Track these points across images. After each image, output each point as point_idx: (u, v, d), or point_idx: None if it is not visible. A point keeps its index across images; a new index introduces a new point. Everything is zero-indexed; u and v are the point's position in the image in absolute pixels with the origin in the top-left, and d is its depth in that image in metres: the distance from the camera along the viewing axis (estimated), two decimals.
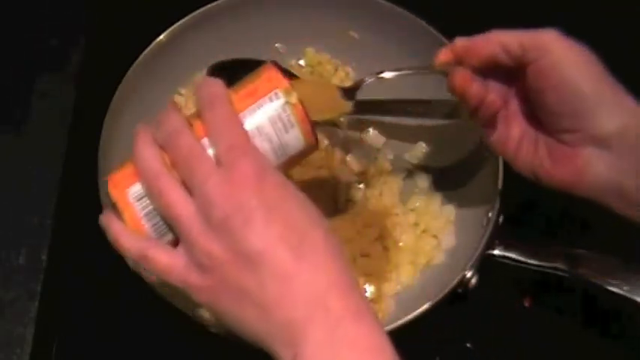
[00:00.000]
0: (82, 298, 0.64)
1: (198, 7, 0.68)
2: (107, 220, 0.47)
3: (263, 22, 0.71)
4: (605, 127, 0.50)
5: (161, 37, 0.66)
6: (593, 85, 0.50)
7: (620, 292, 0.57)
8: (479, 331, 0.65)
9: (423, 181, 0.69)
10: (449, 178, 0.69)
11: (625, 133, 0.50)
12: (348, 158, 0.70)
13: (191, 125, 0.45)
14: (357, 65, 0.72)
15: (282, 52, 0.73)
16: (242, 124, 0.44)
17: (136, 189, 0.46)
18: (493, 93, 0.54)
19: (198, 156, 0.44)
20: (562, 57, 0.50)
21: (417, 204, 0.68)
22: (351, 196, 0.68)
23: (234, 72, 0.63)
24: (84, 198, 0.62)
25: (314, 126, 0.46)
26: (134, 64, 0.65)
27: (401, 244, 0.66)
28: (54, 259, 0.63)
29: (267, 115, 0.45)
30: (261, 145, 0.45)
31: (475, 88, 0.53)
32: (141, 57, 0.65)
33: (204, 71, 0.69)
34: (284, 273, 0.41)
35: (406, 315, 0.56)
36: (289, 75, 0.48)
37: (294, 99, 0.45)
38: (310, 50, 0.73)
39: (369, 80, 0.58)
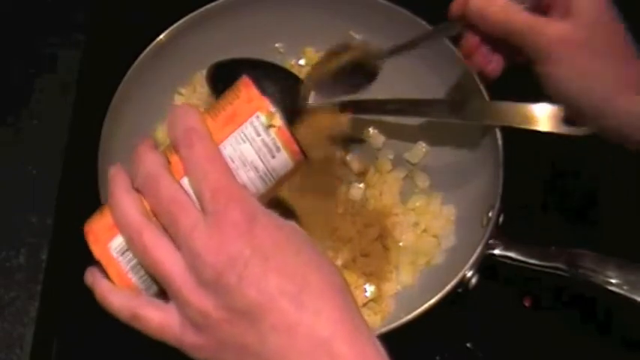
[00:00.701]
0: (82, 298, 0.64)
1: (198, 7, 0.68)
2: (92, 278, 0.45)
3: (263, 22, 0.71)
4: None
5: (161, 37, 0.66)
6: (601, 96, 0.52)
7: (620, 292, 0.57)
8: (479, 331, 0.65)
9: (423, 181, 0.69)
10: (449, 178, 0.69)
11: None
12: (348, 158, 0.70)
13: (168, 162, 0.42)
14: None
15: (282, 52, 0.73)
16: (224, 162, 0.41)
17: (118, 242, 0.43)
18: (495, 61, 0.58)
19: (181, 205, 0.40)
20: (560, 70, 0.52)
21: (417, 204, 0.68)
22: (351, 196, 0.68)
23: (234, 72, 0.63)
24: (84, 198, 0.61)
25: (300, 144, 0.42)
26: (134, 64, 0.65)
27: (401, 244, 0.66)
28: (54, 259, 0.63)
29: (250, 143, 0.42)
30: (247, 175, 0.42)
31: (476, 59, 0.58)
32: (141, 57, 0.65)
33: (204, 71, 0.69)
34: (285, 325, 0.39)
35: (406, 315, 0.56)
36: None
37: (277, 121, 0.41)
38: (310, 50, 0.73)
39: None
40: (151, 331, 0.43)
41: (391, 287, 0.65)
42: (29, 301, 0.60)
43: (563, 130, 0.59)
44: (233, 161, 0.42)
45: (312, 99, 0.59)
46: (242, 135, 0.42)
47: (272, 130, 0.41)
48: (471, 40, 0.58)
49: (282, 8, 0.71)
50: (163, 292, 0.43)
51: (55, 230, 0.63)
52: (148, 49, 0.66)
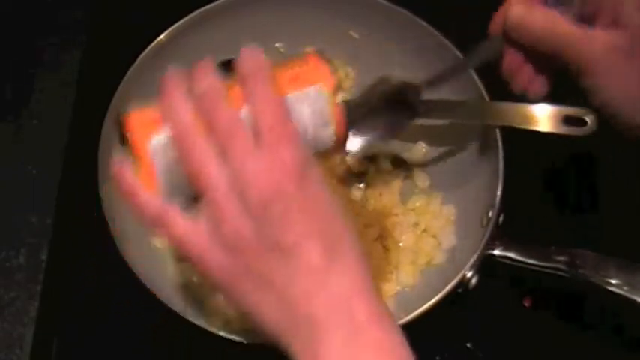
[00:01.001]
0: (82, 298, 0.64)
1: (198, 7, 0.68)
2: (122, 170, 0.43)
3: (263, 22, 0.71)
4: None
5: (161, 37, 0.66)
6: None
7: (620, 292, 0.57)
8: (479, 331, 0.65)
9: (423, 181, 0.69)
10: (449, 178, 0.69)
11: None
12: (348, 158, 0.70)
13: (228, 89, 0.42)
14: (357, 65, 0.72)
15: (282, 52, 0.73)
16: (286, 106, 0.42)
17: (160, 139, 0.42)
18: (538, 82, 0.54)
19: (238, 128, 0.40)
20: (609, 81, 0.50)
21: (417, 204, 0.68)
22: (351, 196, 0.68)
23: (234, 72, 0.63)
24: (84, 198, 0.62)
25: (347, 129, 0.44)
26: (134, 64, 0.65)
27: (401, 244, 0.66)
28: (54, 259, 0.63)
29: (310, 106, 0.43)
30: None
31: (520, 78, 0.55)
32: (141, 57, 0.65)
33: None
34: (315, 270, 0.40)
35: (406, 315, 0.56)
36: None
37: (337, 98, 0.43)
38: (310, 50, 0.73)
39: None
40: (173, 238, 0.42)
41: (391, 287, 0.65)
42: (29, 301, 0.60)
43: (563, 130, 0.59)
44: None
45: (350, 143, 0.55)
46: (304, 96, 0.43)
47: (330, 105, 0.43)
48: (512, 58, 0.55)
49: (282, 8, 0.71)
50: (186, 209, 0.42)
51: (55, 230, 0.63)
52: (148, 49, 0.66)
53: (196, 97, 0.42)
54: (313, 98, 0.43)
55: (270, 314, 0.41)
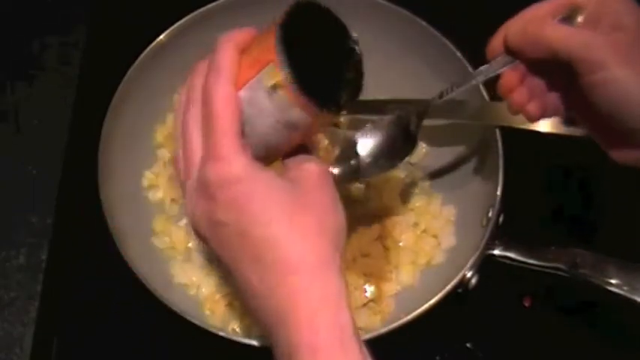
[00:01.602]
0: (82, 298, 0.64)
1: (198, 7, 0.68)
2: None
3: (263, 22, 0.70)
4: None
5: (161, 37, 0.66)
6: None
7: (620, 292, 0.57)
8: (479, 331, 0.65)
9: (423, 181, 0.69)
10: (449, 178, 0.69)
11: None
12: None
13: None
14: None
15: None
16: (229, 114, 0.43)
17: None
18: (535, 101, 0.54)
19: (215, 126, 0.43)
20: (618, 75, 0.49)
21: (417, 204, 0.68)
22: (351, 195, 0.68)
23: None
24: (84, 198, 0.62)
25: (315, 99, 0.42)
26: (134, 64, 0.65)
27: (401, 244, 0.66)
28: (54, 259, 0.63)
29: (265, 92, 0.42)
30: (265, 122, 0.43)
31: (516, 95, 0.54)
32: (141, 57, 0.65)
33: None
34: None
35: (406, 315, 0.56)
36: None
37: (282, 81, 0.42)
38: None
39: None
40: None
41: (391, 287, 0.65)
42: (29, 301, 0.60)
43: (563, 130, 0.59)
44: (252, 107, 0.43)
45: (365, 171, 0.57)
46: (259, 83, 0.43)
47: (279, 89, 0.42)
48: (509, 76, 0.54)
49: (282, 8, 0.70)
50: None
51: (55, 230, 0.63)
52: (148, 49, 0.66)
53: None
54: (263, 84, 0.43)
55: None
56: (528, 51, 0.51)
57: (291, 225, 0.43)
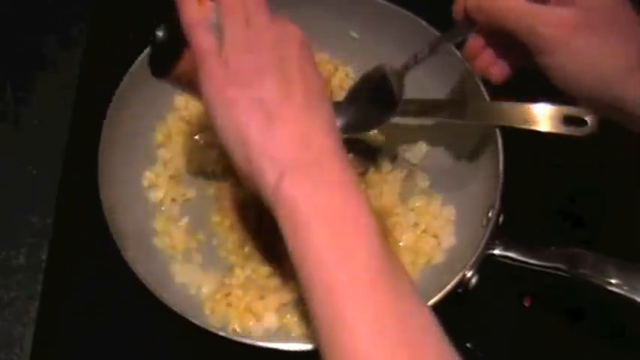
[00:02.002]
0: (82, 298, 0.64)
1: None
2: None
3: None
4: None
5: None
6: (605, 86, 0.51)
7: (620, 292, 0.57)
8: (479, 331, 0.65)
9: (423, 181, 0.69)
10: (449, 178, 0.68)
11: None
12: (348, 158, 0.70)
13: None
14: (357, 65, 0.72)
15: None
16: None
17: None
18: (497, 65, 0.56)
19: None
20: (562, 57, 0.50)
21: (417, 204, 0.68)
22: None
23: None
24: (84, 198, 0.62)
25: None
26: (134, 64, 0.65)
27: (401, 244, 0.66)
28: (54, 259, 0.63)
29: None
30: None
31: (479, 61, 0.56)
32: (141, 57, 0.65)
33: None
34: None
35: None
36: None
37: None
38: None
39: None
40: (195, 47, 0.49)
41: None
42: (29, 301, 0.61)
43: (563, 130, 0.59)
44: None
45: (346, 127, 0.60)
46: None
47: None
48: (474, 42, 0.57)
49: (282, 8, 0.70)
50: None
51: (55, 230, 0.63)
52: (148, 48, 0.65)
53: None
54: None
55: (256, 136, 0.45)
56: (482, 20, 0.54)
57: None
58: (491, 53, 0.56)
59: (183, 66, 0.50)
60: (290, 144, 0.45)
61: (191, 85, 0.50)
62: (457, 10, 0.56)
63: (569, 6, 0.51)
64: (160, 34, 0.52)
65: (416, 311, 0.44)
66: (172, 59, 0.50)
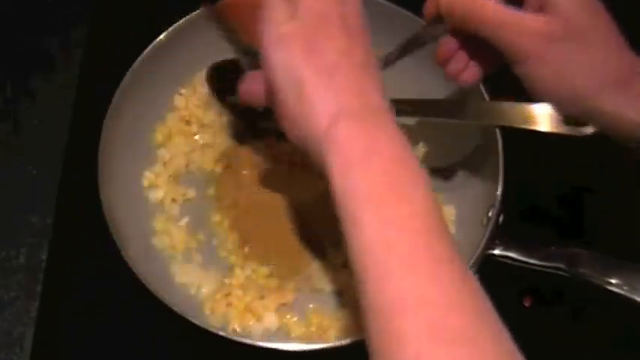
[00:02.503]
0: (82, 298, 0.64)
1: (198, 7, 0.67)
2: None
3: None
4: None
5: (161, 37, 0.66)
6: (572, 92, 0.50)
7: (620, 292, 0.57)
8: None
9: None
10: (449, 178, 0.68)
11: None
12: None
13: None
14: None
15: None
16: None
17: None
18: (470, 68, 0.55)
19: None
20: (537, 69, 0.49)
21: None
22: None
23: (234, 72, 0.63)
24: (84, 198, 0.62)
25: None
26: (134, 64, 0.65)
27: None
28: (54, 259, 0.63)
29: None
30: None
31: (452, 66, 0.55)
32: (141, 57, 0.65)
33: (204, 71, 0.69)
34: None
35: None
36: None
37: None
38: None
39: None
40: None
41: None
42: (29, 301, 0.60)
43: (563, 130, 0.59)
44: None
45: None
46: None
47: None
48: (446, 45, 0.55)
49: None
50: None
51: (55, 230, 0.63)
52: (147, 49, 0.66)
53: None
54: None
55: (314, 77, 0.44)
56: (455, 22, 0.52)
57: None
58: (465, 55, 0.55)
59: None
60: (347, 92, 0.44)
61: (244, 18, 0.49)
62: (429, 8, 0.54)
63: (546, 14, 0.49)
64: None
65: (466, 277, 0.41)
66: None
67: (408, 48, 0.58)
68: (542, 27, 0.49)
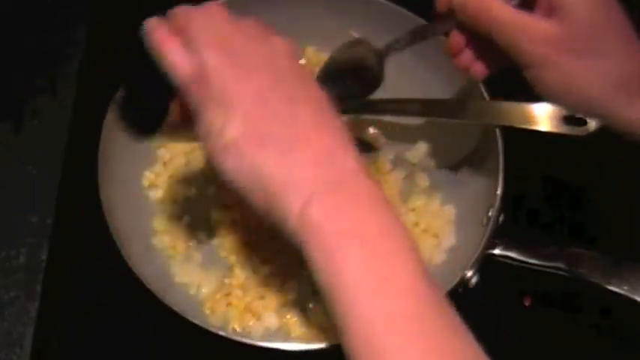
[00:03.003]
0: (82, 298, 0.64)
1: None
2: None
3: (263, 22, 0.70)
4: None
5: None
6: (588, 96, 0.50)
7: (620, 291, 0.57)
8: (479, 330, 0.64)
9: (423, 181, 0.69)
10: (449, 178, 0.69)
11: None
12: None
13: None
14: None
15: None
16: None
17: None
18: (481, 61, 0.54)
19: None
20: (547, 73, 0.49)
21: (417, 204, 0.68)
22: None
23: None
24: (84, 198, 0.62)
25: None
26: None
27: None
28: (54, 259, 0.63)
29: None
30: None
31: (462, 58, 0.54)
32: None
33: None
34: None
35: None
36: None
37: None
38: (310, 50, 0.73)
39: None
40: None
41: None
42: (29, 301, 0.60)
43: (563, 130, 0.59)
44: None
45: None
46: None
47: None
48: (456, 38, 0.54)
49: (282, 8, 0.71)
50: None
51: (55, 230, 0.63)
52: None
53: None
54: None
55: (273, 169, 0.42)
56: (465, 21, 0.52)
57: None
58: (472, 53, 0.55)
59: (170, 119, 0.46)
60: (312, 166, 0.41)
61: (182, 134, 0.46)
62: (440, 6, 0.54)
63: (556, 19, 0.48)
64: (128, 91, 0.47)
65: (466, 344, 0.41)
66: (156, 114, 0.46)
67: (412, 40, 0.58)
68: (552, 34, 0.48)
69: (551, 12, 0.49)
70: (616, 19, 0.49)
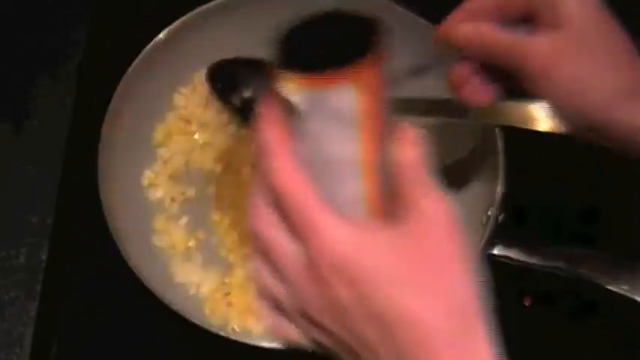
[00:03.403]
0: (82, 298, 0.64)
1: (197, 7, 0.67)
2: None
3: (263, 21, 0.70)
4: None
5: (161, 36, 0.66)
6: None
7: (620, 291, 0.57)
8: None
9: None
10: (449, 178, 0.68)
11: None
12: None
13: None
14: None
15: None
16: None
17: None
18: (484, 90, 0.53)
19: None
20: (551, 86, 0.49)
21: None
22: None
23: (234, 72, 0.63)
24: (84, 198, 0.62)
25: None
26: (134, 64, 0.65)
27: None
28: (54, 259, 0.63)
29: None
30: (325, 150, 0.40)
31: (466, 90, 0.53)
32: (140, 56, 0.65)
33: (204, 71, 0.69)
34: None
35: None
36: None
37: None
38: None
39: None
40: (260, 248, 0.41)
41: None
42: (29, 301, 0.60)
43: (564, 130, 0.59)
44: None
45: None
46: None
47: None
48: (459, 71, 0.54)
49: (282, 7, 0.70)
50: None
51: (55, 230, 0.63)
52: (147, 48, 0.66)
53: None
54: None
55: None
56: (472, 53, 0.51)
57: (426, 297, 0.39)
58: (478, 81, 0.54)
59: None
60: None
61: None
62: (438, 36, 0.54)
63: (559, 29, 0.48)
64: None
65: None
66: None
67: (416, 74, 0.58)
68: (556, 46, 0.48)
69: (553, 28, 0.49)
70: (613, 27, 0.49)
